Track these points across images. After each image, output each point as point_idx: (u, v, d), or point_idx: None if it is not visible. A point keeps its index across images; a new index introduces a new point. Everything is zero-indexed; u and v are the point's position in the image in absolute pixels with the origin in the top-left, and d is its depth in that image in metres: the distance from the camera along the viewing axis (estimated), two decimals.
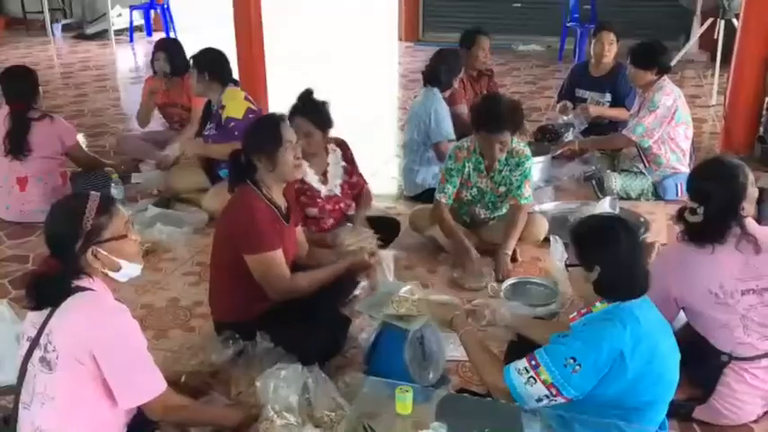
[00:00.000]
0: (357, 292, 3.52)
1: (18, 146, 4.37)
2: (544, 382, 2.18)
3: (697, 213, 2.59)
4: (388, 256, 3.28)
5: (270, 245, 2.88)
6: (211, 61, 4.51)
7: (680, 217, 2.68)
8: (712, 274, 2.57)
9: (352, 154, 3.89)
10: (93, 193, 2.22)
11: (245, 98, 4.50)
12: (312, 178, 3.68)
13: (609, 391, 2.20)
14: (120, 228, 2.20)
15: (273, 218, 2.95)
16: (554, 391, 2.18)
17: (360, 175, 3.93)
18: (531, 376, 2.20)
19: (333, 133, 3.73)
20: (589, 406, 2.23)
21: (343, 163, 3.81)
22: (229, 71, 4.61)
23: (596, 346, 2.15)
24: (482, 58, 5.36)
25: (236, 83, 4.67)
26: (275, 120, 2.99)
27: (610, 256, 2.23)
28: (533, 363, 2.21)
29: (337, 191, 3.79)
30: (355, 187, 3.90)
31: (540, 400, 2.21)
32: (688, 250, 2.62)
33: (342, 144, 3.87)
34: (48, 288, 2.15)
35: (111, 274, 2.22)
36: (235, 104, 4.42)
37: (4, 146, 4.39)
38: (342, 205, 3.82)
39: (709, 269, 2.57)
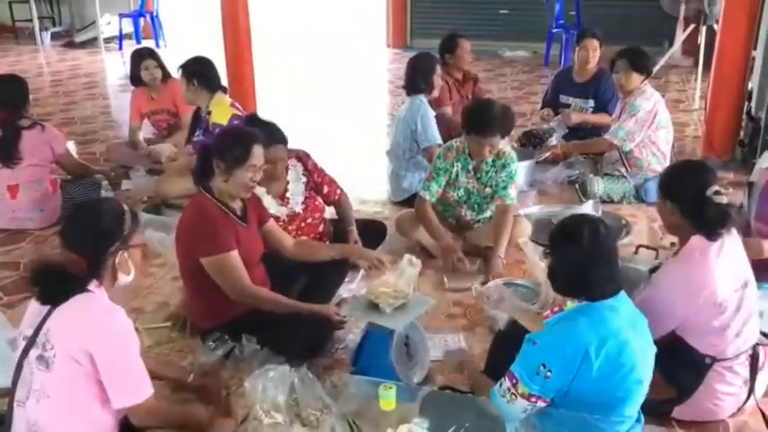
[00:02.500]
0: (344, 294, 3.58)
1: (8, 154, 4.41)
2: (523, 395, 2.28)
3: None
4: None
5: (222, 246, 2.86)
6: (199, 69, 4.56)
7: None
8: (716, 287, 2.53)
9: (314, 164, 3.74)
10: (117, 200, 2.38)
11: (232, 105, 4.56)
12: (270, 203, 3.48)
13: (573, 388, 2.27)
14: (137, 237, 2.36)
15: (225, 219, 2.92)
16: (534, 400, 2.28)
17: (330, 183, 3.79)
18: (513, 393, 2.30)
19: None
20: (562, 405, 2.30)
21: (304, 179, 3.67)
22: (217, 78, 4.66)
23: (562, 348, 2.23)
24: (468, 58, 5.49)
25: (224, 90, 4.72)
26: (251, 139, 2.91)
27: (562, 252, 2.33)
28: (513, 381, 2.30)
29: (298, 208, 3.63)
30: (328, 197, 3.79)
31: (525, 411, 2.31)
32: (696, 263, 2.55)
33: (302, 157, 3.71)
34: (66, 284, 2.17)
35: (119, 277, 2.30)
36: (220, 111, 4.48)
37: None
38: (309, 221, 3.68)
39: (713, 282, 2.52)
